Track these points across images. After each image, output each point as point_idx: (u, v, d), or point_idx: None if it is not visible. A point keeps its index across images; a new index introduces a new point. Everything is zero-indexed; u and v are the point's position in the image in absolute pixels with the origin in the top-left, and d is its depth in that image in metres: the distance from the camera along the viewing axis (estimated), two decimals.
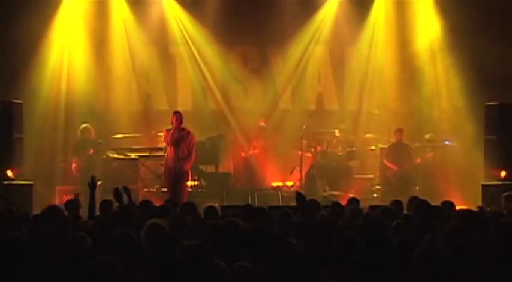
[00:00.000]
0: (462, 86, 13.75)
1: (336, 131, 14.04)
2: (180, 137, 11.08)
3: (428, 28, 14.23)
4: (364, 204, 8.67)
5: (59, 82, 13.92)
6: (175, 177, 11.11)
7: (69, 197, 9.07)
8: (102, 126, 13.33)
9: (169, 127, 11.23)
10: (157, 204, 8.74)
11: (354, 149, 13.80)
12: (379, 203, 12.16)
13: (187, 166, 11.21)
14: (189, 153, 11.15)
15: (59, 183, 12.80)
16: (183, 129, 11.20)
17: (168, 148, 11.20)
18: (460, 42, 13.57)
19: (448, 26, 13.84)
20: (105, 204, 7.86)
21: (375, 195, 13.28)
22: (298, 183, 13.62)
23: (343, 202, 8.77)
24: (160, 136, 13.02)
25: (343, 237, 5.29)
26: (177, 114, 11.21)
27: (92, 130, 12.47)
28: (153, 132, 13.65)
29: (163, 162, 11.50)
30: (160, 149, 12.66)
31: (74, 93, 14.02)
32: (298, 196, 6.61)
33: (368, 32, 14.45)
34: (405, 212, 7.55)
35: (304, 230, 6.27)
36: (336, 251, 5.15)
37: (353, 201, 8.23)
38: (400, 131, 13.08)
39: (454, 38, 13.74)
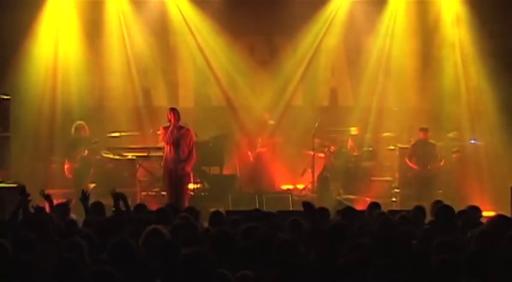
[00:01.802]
0: (490, 80, 13.70)
1: (351, 129, 13.99)
2: (179, 136, 11.07)
3: (451, 16, 14.18)
4: (383, 209, 8.60)
5: (51, 77, 13.96)
6: (175, 180, 11.09)
7: (60, 201, 9.06)
8: (97, 124, 13.32)
9: (166, 124, 11.21)
10: (156, 208, 8.73)
11: (371, 148, 13.77)
12: (399, 208, 12.16)
13: (189, 167, 11.21)
14: (190, 153, 11.14)
15: (50, 186, 12.78)
16: (181, 127, 11.20)
17: (167, 148, 11.18)
18: (486, 29, 13.54)
19: (473, 13, 13.82)
20: (97, 207, 7.86)
21: (394, 199, 13.22)
22: (310, 186, 13.60)
23: (359, 206, 8.73)
24: (160, 134, 13.03)
25: (358, 246, 5.26)
26: (174, 110, 11.21)
27: (86, 128, 12.46)
28: (152, 130, 13.65)
29: (162, 163, 11.49)
30: (160, 148, 12.68)
31: (66, 88, 14.04)
32: (307, 207, 6.55)
33: (386, 21, 14.43)
34: (428, 218, 7.49)
35: (315, 238, 6.23)
36: (349, 261, 5.12)
37: (374, 205, 8.17)
38: (424, 129, 13.00)
39: (479, 25, 13.71)
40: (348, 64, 14.71)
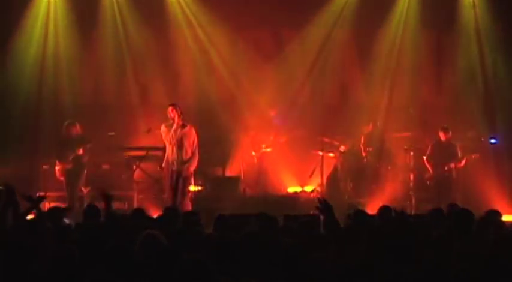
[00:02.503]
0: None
1: (363, 127, 13.98)
2: (182, 135, 11.05)
3: (468, 3, 14.20)
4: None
5: (41, 72, 13.97)
6: (177, 182, 11.07)
7: (53, 205, 9.08)
8: (90, 123, 13.30)
9: (168, 122, 11.17)
10: (155, 212, 8.75)
11: (383, 148, 13.74)
12: (414, 212, 12.16)
13: (192, 168, 11.18)
14: (193, 153, 11.12)
15: (40, 189, 12.80)
16: (184, 124, 11.16)
17: (169, 147, 11.16)
18: (506, 17, 13.57)
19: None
20: (92, 211, 7.87)
21: (409, 202, 13.20)
22: (318, 189, 13.59)
23: (371, 210, 8.72)
24: (159, 133, 13.02)
25: (369, 251, 5.27)
26: (175, 107, 11.17)
27: (78, 127, 12.45)
28: (149, 129, 13.60)
29: (163, 164, 11.44)
30: (158, 148, 12.68)
31: (58, 84, 14.05)
32: (324, 206, 6.51)
33: (400, 12, 14.42)
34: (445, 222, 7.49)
35: (326, 243, 6.24)
36: (360, 266, 5.13)
37: (385, 209, 8.17)
38: (445, 129, 12.96)
39: (497, 13, 13.73)
40: (359, 58, 14.70)
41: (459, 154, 12.97)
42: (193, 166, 11.17)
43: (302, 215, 10.39)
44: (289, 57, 14.73)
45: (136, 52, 14.49)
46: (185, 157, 11.07)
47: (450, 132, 12.96)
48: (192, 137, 11.13)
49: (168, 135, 11.06)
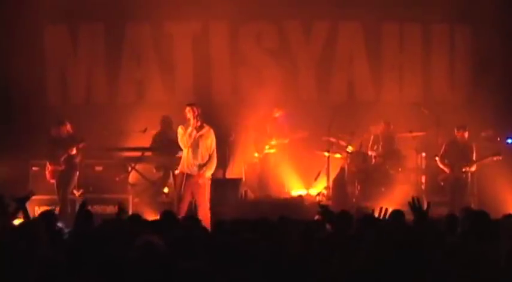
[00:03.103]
0: None
1: (372, 127, 13.97)
2: (198, 137, 11.02)
3: None
4: (407, 218, 8.61)
5: (29, 67, 14.00)
6: (193, 188, 10.99)
7: (44, 209, 9.08)
8: (82, 122, 13.32)
9: (186, 123, 11.03)
10: (151, 217, 8.75)
11: (394, 149, 13.74)
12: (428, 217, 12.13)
13: (209, 173, 11.13)
14: (210, 157, 11.09)
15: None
16: (202, 126, 11.08)
17: (185, 151, 11.07)
18: None
19: None
20: (85, 216, 7.87)
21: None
22: (324, 192, 13.60)
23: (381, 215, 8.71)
24: (154, 133, 13.05)
25: (377, 260, 5.26)
26: (193, 107, 11.00)
27: (69, 126, 12.46)
28: (145, 128, 13.65)
29: (178, 168, 11.34)
30: (155, 149, 12.72)
31: (47, 81, 14.07)
32: (324, 211, 6.54)
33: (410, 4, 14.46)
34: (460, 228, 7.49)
35: (331, 250, 6.25)
36: (367, 276, 5.13)
37: (397, 214, 8.19)
38: (462, 128, 12.92)
39: None
40: (368, 53, 14.71)
41: (475, 155, 12.94)
42: (210, 171, 11.10)
43: (307, 220, 10.42)
44: (293, 51, 14.76)
45: (130, 46, 14.51)
46: (201, 161, 11.02)
47: (467, 132, 12.95)
48: (209, 139, 11.07)
49: (183, 138, 11.00)
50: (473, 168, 12.95)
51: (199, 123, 11.00)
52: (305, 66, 14.81)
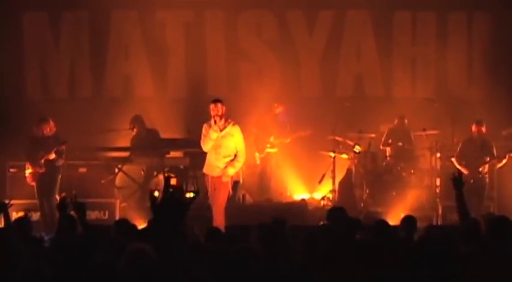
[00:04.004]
0: None
1: (385, 124, 13.98)
2: (221, 138, 11.00)
3: None
4: (421, 224, 8.62)
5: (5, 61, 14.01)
6: (214, 187, 11.03)
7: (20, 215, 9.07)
8: (64, 118, 13.25)
9: (210, 121, 11.01)
10: (140, 223, 8.74)
11: (406, 148, 13.73)
12: (442, 223, 12.14)
13: (233, 172, 11.16)
14: (236, 155, 11.10)
15: (6, 197, 12.77)
16: (227, 121, 11.05)
17: (210, 151, 11.10)
18: None
19: None
20: (67, 221, 7.86)
21: (435, 212, 13.17)
22: (330, 195, 13.59)
23: (392, 221, 8.71)
24: (133, 134, 13.05)
25: (391, 269, 5.25)
26: (218, 104, 10.99)
27: (52, 124, 12.42)
28: (134, 125, 13.60)
29: (204, 170, 11.29)
30: (143, 149, 12.69)
31: (26, 73, 14.05)
32: (333, 213, 6.51)
33: None
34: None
35: (337, 260, 6.21)
36: None
37: (409, 220, 8.16)
38: (479, 123, 12.89)
39: None
40: (377, 44, 14.70)
41: (494, 154, 12.92)
42: (233, 169, 11.14)
43: (310, 226, 10.38)
44: (296, 43, 14.76)
45: (117, 36, 14.53)
46: (226, 158, 11.05)
47: (484, 126, 12.92)
48: (235, 137, 11.10)
49: (206, 139, 10.99)
50: (499, 165, 12.89)
51: (224, 123, 10.99)
52: (308, 59, 14.83)
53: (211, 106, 10.98)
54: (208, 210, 12.05)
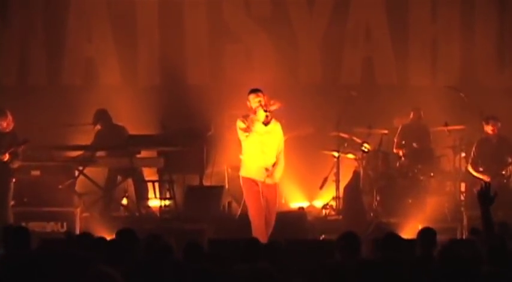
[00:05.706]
0: None
1: (399, 119, 14.05)
2: (266, 134, 10.95)
3: None
4: (441, 238, 8.57)
5: None
6: (263, 194, 10.96)
7: None
8: (13, 109, 13.18)
9: (248, 116, 10.94)
10: (105, 236, 8.66)
11: (425, 147, 13.71)
12: (466, 236, 12.10)
13: (278, 175, 11.15)
14: (278, 158, 11.09)
15: None
16: (268, 117, 10.90)
17: (251, 152, 11.05)
18: None
19: None
20: (18, 235, 7.78)
21: (459, 223, 13.15)
22: (333, 204, 13.59)
23: (407, 234, 8.68)
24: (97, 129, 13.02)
25: None
26: (259, 94, 10.86)
27: (10, 119, 12.36)
28: (97, 120, 13.59)
29: (241, 173, 11.19)
30: (109, 148, 12.66)
31: None
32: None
33: None
34: None
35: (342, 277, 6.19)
36: None
37: (427, 233, 8.12)
38: (494, 120, 12.96)
39: None
40: (391, 22, 14.73)
41: None
42: (279, 173, 11.16)
43: (311, 240, 10.35)
44: (293, 22, 14.80)
45: (79, 17, 14.56)
46: (273, 159, 11.06)
47: (499, 123, 12.96)
48: (278, 135, 11.12)
49: (244, 135, 10.91)
50: None
51: (268, 116, 10.89)
52: (308, 41, 14.86)
53: (251, 96, 10.88)
54: (188, 222, 12.09)
